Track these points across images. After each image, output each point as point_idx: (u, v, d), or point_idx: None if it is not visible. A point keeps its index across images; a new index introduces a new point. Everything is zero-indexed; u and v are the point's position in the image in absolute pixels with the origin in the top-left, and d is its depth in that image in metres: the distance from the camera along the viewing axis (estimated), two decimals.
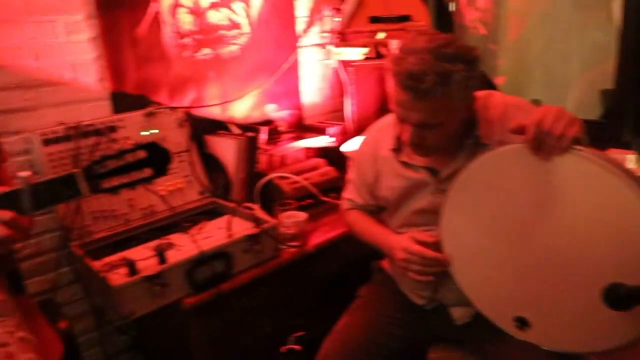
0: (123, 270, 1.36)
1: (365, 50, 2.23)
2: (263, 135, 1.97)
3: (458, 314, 1.34)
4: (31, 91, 1.63)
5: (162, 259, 1.38)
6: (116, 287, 1.28)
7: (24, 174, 1.03)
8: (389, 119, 1.34)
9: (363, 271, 1.65)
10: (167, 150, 1.17)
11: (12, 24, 1.57)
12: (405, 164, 1.30)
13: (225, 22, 2.07)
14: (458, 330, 1.35)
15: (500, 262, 1.11)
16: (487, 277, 1.14)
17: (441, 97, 1.07)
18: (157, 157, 1.16)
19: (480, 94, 1.22)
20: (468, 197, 1.14)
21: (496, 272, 1.12)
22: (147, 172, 1.15)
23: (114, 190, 1.12)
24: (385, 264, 1.57)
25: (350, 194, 1.50)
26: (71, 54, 1.70)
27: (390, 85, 1.13)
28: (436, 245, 1.20)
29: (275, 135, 2.14)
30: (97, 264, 1.40)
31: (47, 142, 1.56)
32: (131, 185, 1.13)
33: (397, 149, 1.31)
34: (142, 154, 1.14)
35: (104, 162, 1.11)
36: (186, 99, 1.98)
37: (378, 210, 1.45)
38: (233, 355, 1.59)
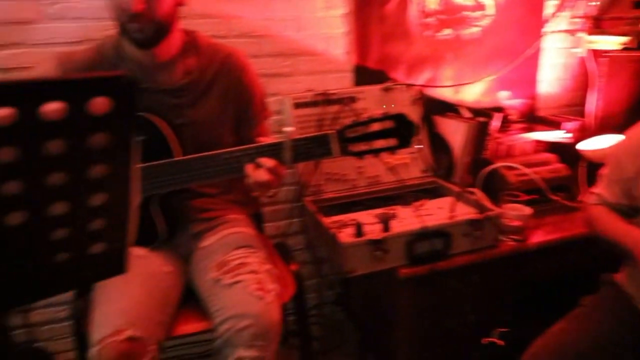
0: (349, 230, 1.46)
1: (625, 39, 1.97)
2: (495, 122, 1.90)
3: None
4: (289, 59, 1.83)
5: (386, 227, 1.45)
6: (344, 244, 1.39)
7: (288, 129, 1.17)
8: None
9: (587, 281, 1.50)
10: (414, 123, 1.21)
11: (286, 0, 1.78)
12: None
13: (470, 3, 2.02)
14: None
15: None
16: None
17: None
18: (403, 129, 1.21)
19: None
20: None
21: None
22: (391, 142, 1.21)
23: (360, 154, 1.20)
24: (619, 277, 1.40)
25: (600, 189, 1.37)
26: (326, 28, 1.85)
27: None
28: None
29: (505, 123, 2.04)
30: (327, 221, 1.53)
31: (297, 105, 1.75)
32: (376, 152, 1.20)
33: None
34: (389, 124, 1.20)
35: (355, 128, 1.19)
36: (421, 78, 2.01)
37: (630, 212, 1.29)
38: (434, 333, 1.60)
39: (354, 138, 1.19)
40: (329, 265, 1.94)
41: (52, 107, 0.55)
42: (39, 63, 1.46)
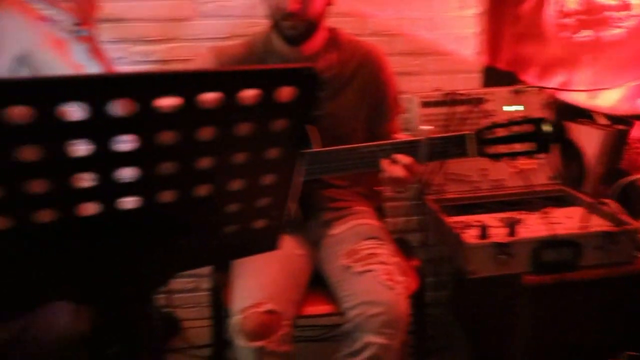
0: (473, 232, 1.46)
1: None
2: (636, 131, 1.79)
3: None
4: (419, 58, 1.85)
5: (512, 231, 1.43)
6: (468, 245, 1.39)
7: (426, 127, 1.20)
8: None
9: None
10: (554, 128, 1.18)
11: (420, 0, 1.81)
12: None
13: (614, 2, 1.91)
14: None
15: None
16: None
17: None
18: (542, 133, 1.19)
19: None
20: None
21: None
22: (530, 146, 1.19)
23: (496, 157, 1.20)
24: None
25: None
26: (457, 27, 1.85)
27: None
28: None
29: None
30: (449, 220, 1.54)
31: (425, 104, 1.76)
32: (513, 155, 1.20)
33: None
34: (529, 128, 1.19)
35: (494, 129, 1.19)
36: (553, 81, 1.94)
37: None
38: (554, 348, 1.55)
39: (492, 140, 1.19)
40: (448, 265, 1.94)
41: (250, 93, 0.63)
42: (196, 56, 1.61)
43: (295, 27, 1.23)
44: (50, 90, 0.52)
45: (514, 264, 1.42)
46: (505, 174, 1.76)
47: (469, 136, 1.19)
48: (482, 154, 1.19)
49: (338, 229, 1.36)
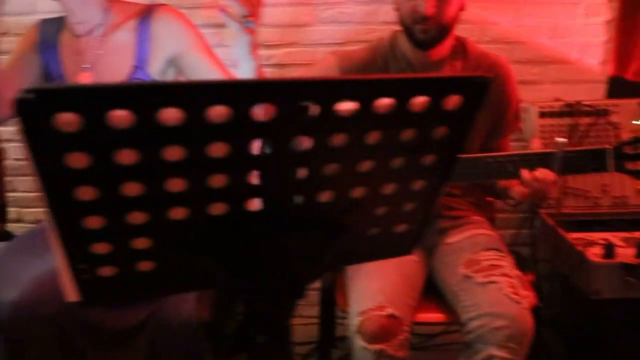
0: (595, 250, 1.39)
1: None
2: None
3: None
4: (538, 67, 1.80)
5: None
6: (593, 264, 1.33)
7: (561, 140, 1.16)
8: None
9: None
10: None
11: (533, 5, 1.75)
12: None
13: None
14: None
15: None
16: None
17: None
18: None
19: None
20: None
21: None
22: None
23: (637, 173, 1.14)
24: None
25: None
26: (583, 36, 1.77)
27: None
28: None
29: None
30: (570, 236, 1.48)
31: (543, 114, 1.70)
32: None
33: None
34: None
35: (636, 144, 1.13)
36: None
37: None
38: None
39: (633, 155, 1.13)
40: (559, 283, 1.86)
41: (420, 100, 0.64)
42: (317, 61, 1.66)
43: (428, 31, 1.24)
44: (198, 94, 0.55)
45: None
46: (630, 191, 1.66)
47: (608, 150, 1.13)
48: (621, 170, 1.13)
49: (455, 238, 1.35)
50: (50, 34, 1.28)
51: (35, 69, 1.28)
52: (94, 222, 0.58)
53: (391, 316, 1.11)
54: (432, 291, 1.34)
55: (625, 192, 1.67)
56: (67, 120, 0.46)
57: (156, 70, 1.24)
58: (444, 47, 1.33)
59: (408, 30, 1.28)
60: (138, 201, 0.58)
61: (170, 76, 1.29)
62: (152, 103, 0.50)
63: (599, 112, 1.68)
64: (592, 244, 1.43)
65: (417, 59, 1.33)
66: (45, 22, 1.31)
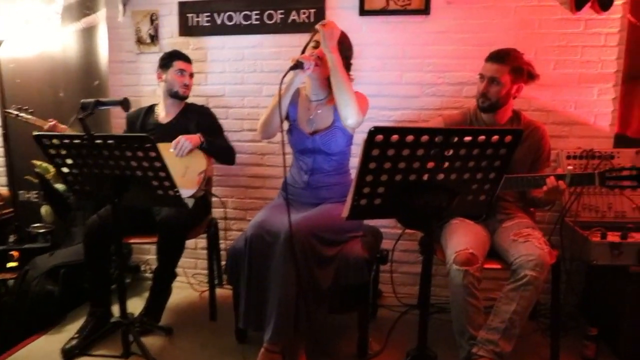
0: (595, 235, 2.31)
1: None
2: None
3: None
4: (566, 127, 2.77)
5: (624, 237, 2.25)
6: (592, 242, 2.25)
7: (570, 167, 2.12)
8: None
9: None
10: None
11: (562, 86, 2.75)
12: None
13: None
14: None
15: None
16: None
17: None
18: None
19: None
20: None
21: None
22: (633, 183, 2.04)
23: (611, 187, 2.07)
24: None
25: None
26: (597, 107, 2.74)
27: None
28: None
29: None
30: (582, 231, 2.40)
31: (568, 157, 2.65)
32: (621, 187, 2.06)
33: None
34: (634, 172, 2.04)
35: (612, 172, 2.07)
36: None
37: None
38: None
39: (611, 177, 2.07)
40: (575, 256, 2.71)
41: (495, 137, 1.65)
42: (430, 120, 2.70)
43: (483, 102, 2.28)
44: (437, 133, 1.61)
45: (624, 258, 2.23)
46: (627, 208, 2.56)
47: (596, 174, 2.08)
48: (602, 185, 2.07)
49: (508, 224, 2.31)
50: (294, 97, 2.41)
51: (283, 112, 2.40)
52: (378, 179, 1.61)
53: (472, 254, 2.07)
54: (493, 256, 2.29)
55: (624, 209, 2.57)
56: (394, 140, 1.50)
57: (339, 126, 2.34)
58: (505, 115, 2.34)
59: (477, 101, 2.31)
60: (403, 170, 1.61)
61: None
62: (428, 134, 1.55)
63: (607, 157, 2.61)
64: (594, 232, 2.35)
65: (489, 120, 2.35)
66: (295, 90, 2.42)
